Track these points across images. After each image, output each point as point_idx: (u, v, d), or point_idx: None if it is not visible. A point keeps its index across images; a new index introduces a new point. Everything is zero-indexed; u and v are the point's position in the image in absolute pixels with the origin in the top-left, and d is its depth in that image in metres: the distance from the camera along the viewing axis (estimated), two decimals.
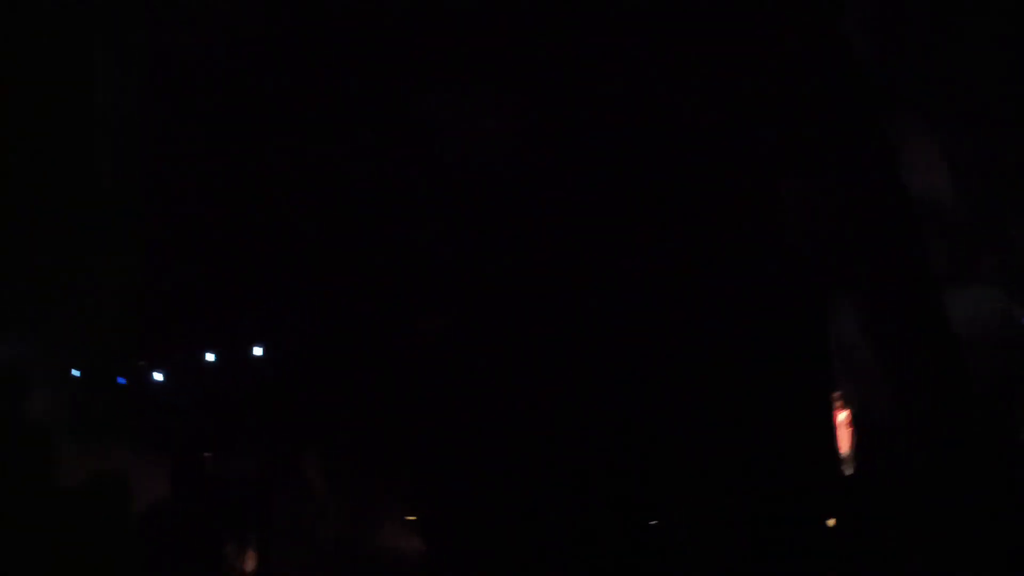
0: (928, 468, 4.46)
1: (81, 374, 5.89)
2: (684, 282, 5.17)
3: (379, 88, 5.78)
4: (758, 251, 5.04)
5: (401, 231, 5.63)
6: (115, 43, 5.79)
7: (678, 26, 5.38)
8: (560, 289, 5.37)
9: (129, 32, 5.80)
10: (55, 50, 5.74)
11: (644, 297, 5.28)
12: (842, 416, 5.37)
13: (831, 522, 4.72)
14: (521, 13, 5.22)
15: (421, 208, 5.84)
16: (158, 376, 5.76)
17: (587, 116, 5.40)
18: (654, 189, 5.43)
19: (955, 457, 4.41)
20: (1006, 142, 5.11)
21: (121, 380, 5.84)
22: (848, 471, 4.85)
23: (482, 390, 5.51)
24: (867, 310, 4.74)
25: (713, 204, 5.23)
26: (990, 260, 5.15)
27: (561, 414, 5.34)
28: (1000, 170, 5.12)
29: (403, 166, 5.76)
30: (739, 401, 4.97)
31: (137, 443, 5.71)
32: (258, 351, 5.66)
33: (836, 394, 5.16)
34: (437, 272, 5.69)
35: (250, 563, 5.63)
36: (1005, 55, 5.08)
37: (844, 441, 5.21)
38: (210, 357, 5.72)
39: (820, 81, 4.91)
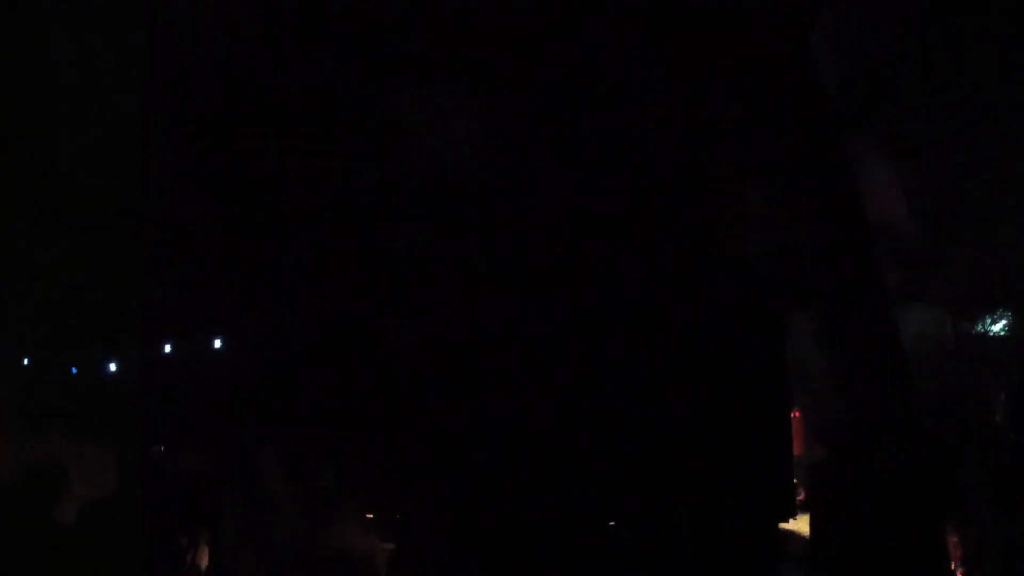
0: (875, 473, 4.65)
1: (31, 362, 5.77)
2: (649, 291, 5.29)
3: (372, 89, 5.82)
4: (719, 266, 5.19)
5: (379, 227, 5.64)
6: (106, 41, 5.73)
7: (647, 42, 5.56)
8: (529, 295, 5.45)
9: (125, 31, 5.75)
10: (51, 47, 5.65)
11: (607, 306, 5.38)
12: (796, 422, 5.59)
13: (785, 524, 4.87)
14: (508, 16, 5.32)
15: (408, 207, 5.87)
16: (111, 367, 5.67)
17: (561, 129, 5.52)
18: (614, 204, 5.57)
19: (900, 463, 4.61)
20: (957, 167, 5.41)
21: (73, 370, 5.74)
22: (800, 474, 5.01)
23: (446, 390, 5.53)
24: (822, 324, 4.92)
25: (675, 221, 5.38)
26: (938, 279, 5.43)
27: (524, 418, 5.40)
28: (950, 194, 5.41)
29: (393, 167, 5.79)
30: (699, 408, 5.09)
31: (87, 434, 5.61)
32: (217, 344, 5.60)
33: (792, 402, 5.35)
34: (408, 272, 5.71)
35: (203, 560, 5.54)
36: (962, 85, 5.37)
37: (798, 446, 5.42)
38: (167, 348, 5.65)
39: (784, 102, 5.11)
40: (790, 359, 5.15)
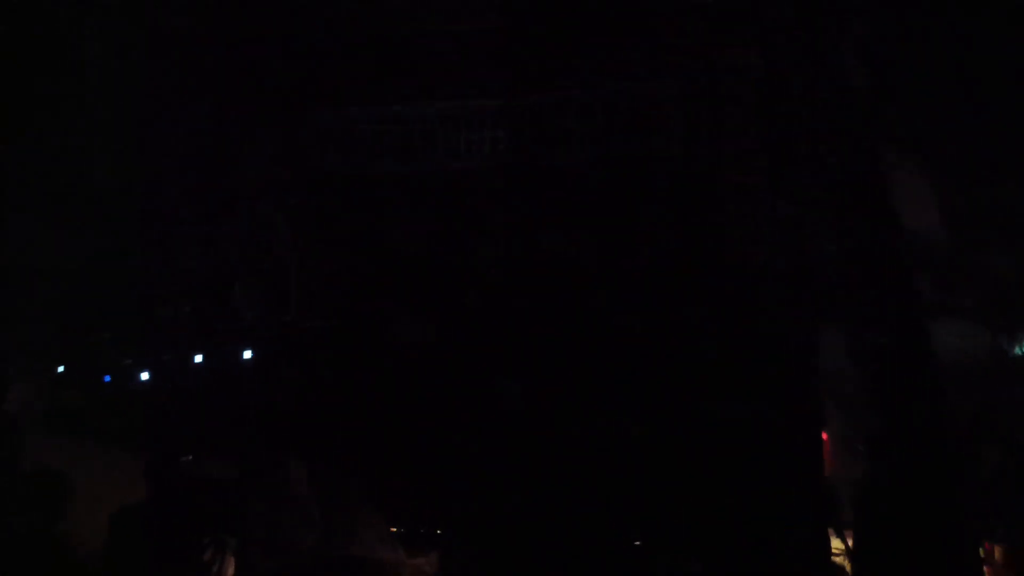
0: (905, 486, 4.57)
1: (65, 369, 5.85)
2: (677, 300, 5.26)
3: (375, 86, 5.87)
4: (751, 276, 5.15)
5: (390, 233, 5.67)
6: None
7: (674, 44, 5.54)
8: (559, 307, 5.44)
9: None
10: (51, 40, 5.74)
11: (636, 313, 5.35)
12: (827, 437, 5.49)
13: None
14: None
15: (413, 209, 5.90)
16: (144, 376, 5.72)
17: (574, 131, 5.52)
18: (646, 210, 5.54)
19: (935, 477, 4.53)
20: (991, 181, 5.30)
21: (107, 378, 5.81)
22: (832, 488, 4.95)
23: (467, 401, 5.53)
24: (856, 338, 4.85)
25: (706, 230, 5.35)
26: (972, 293, 5.32)
27: (550, 433, 5.38)
28: (984, 207, 5.30)
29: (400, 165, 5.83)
30: (728, 420, 5.04)
31: (118, 441, 5.67)
32: (246, 354, 5.63)
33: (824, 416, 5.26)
34: (425, 277, 5.73)
35: (228, 569, 5.56)
36: (997, 98, 5.27)
37: (830, 460, 5.32)
38: (197, 359, 5.69)
39: (817, 109, 5.06)
40: (821, 372, 5.08)
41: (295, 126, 5.76)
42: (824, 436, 5.29)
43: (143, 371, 5.69)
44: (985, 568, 4.71)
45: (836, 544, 4.95)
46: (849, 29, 5.17)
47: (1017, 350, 5.44)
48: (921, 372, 4.74)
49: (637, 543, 5.14)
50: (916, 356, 4.76)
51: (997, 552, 4.82)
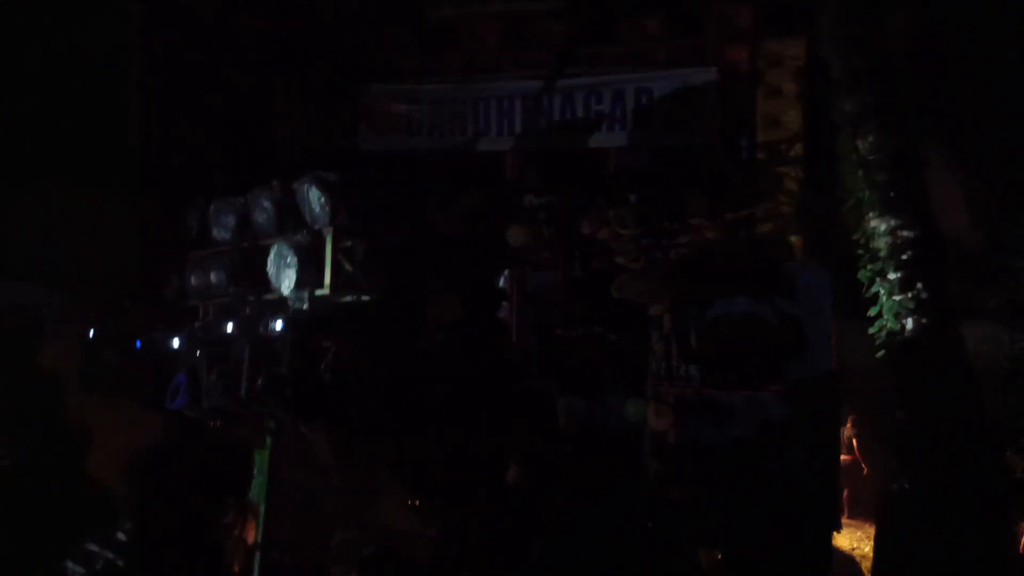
0: (934, 487, 4.61)
1: (96, 333, 5.92)
2: (711, 288, 5.28)
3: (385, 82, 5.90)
4: (779, 268, 5.18)
5: (423, 210, 5.72)
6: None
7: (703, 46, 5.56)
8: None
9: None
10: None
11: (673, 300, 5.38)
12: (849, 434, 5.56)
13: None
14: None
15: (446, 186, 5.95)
16: (175, 343, 5.79)
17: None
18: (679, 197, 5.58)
19: (967, 476, 4.57)
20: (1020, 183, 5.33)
21: (138, 344, 5.88)
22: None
23: (493, 379, 5.60)
24: (887, 339, 4.87)
25: (740, 220, 5.39)
26: (996, 295, 5.36)
27: (566, 417, 5.44)
28: (1013, 209, 5.33)
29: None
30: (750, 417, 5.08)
31: (146, 402, 5.77)
32: (278, 325, 5.68)
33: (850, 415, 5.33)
34: (448, 263, 5.78)
35: (249, 535, 5.67)
36: None
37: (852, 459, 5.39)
38: (229, 327, 5.74)
39: (852, 110, 5.07)
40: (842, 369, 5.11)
41: (333, 102, 5.79)
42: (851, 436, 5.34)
43: (174, 338, 5.76)
44: None
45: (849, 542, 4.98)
46: (892, 22, 5.18)
47: None
48: (954, 372, 4.77)
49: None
50: (949, 356, 4.78)
51: None
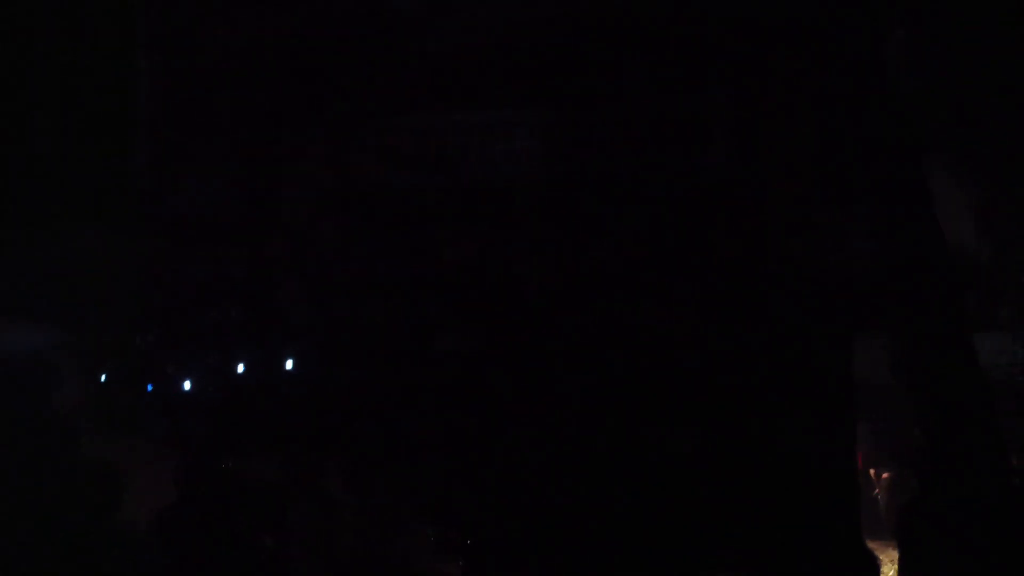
0: (952, 503, 4.56)
1: (107, 377, 5.95)
2: (715, 310, 5.27)
3: (400, 95, 5.92)
4: (792, 286, 5.16)
5: (421, 242, 5.72)
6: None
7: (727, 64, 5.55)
8: (581, 310, 5.47)
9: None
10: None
11: (672, 320, 5.37)
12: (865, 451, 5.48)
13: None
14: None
15: (440, 218, 5.94)
16: (186, 384, 5.80)
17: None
18: (690, 220, 5.56)
19: (985, 492, 4.51)
20: None
21: (149, 387, 5.89)
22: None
23: (502, 406, 5.57)
24: (900, 352, 4.83)
25: (749, 241, 5.37)
26: (1008, 307, 5.30)
27: (583, 439, 5.41)
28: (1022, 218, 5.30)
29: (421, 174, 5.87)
30: (765, 432, 5.05)
31: (158, 444, 5.77)
32: (286, 362, 5.70)
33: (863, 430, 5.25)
34: (454, 285, 5.76)
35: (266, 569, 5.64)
36: None
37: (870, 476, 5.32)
38: (240, 368, 5.76)
39: (863, 125, 5.06)
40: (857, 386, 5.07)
41: (339, 136, 5.82)
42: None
43: (185, 379, 5.78)
44: None
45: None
46: (895, 36, 5.17)
47: None
48: (971, 387, 4.72)
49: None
50: (965, 370, 4.74)
51: None
